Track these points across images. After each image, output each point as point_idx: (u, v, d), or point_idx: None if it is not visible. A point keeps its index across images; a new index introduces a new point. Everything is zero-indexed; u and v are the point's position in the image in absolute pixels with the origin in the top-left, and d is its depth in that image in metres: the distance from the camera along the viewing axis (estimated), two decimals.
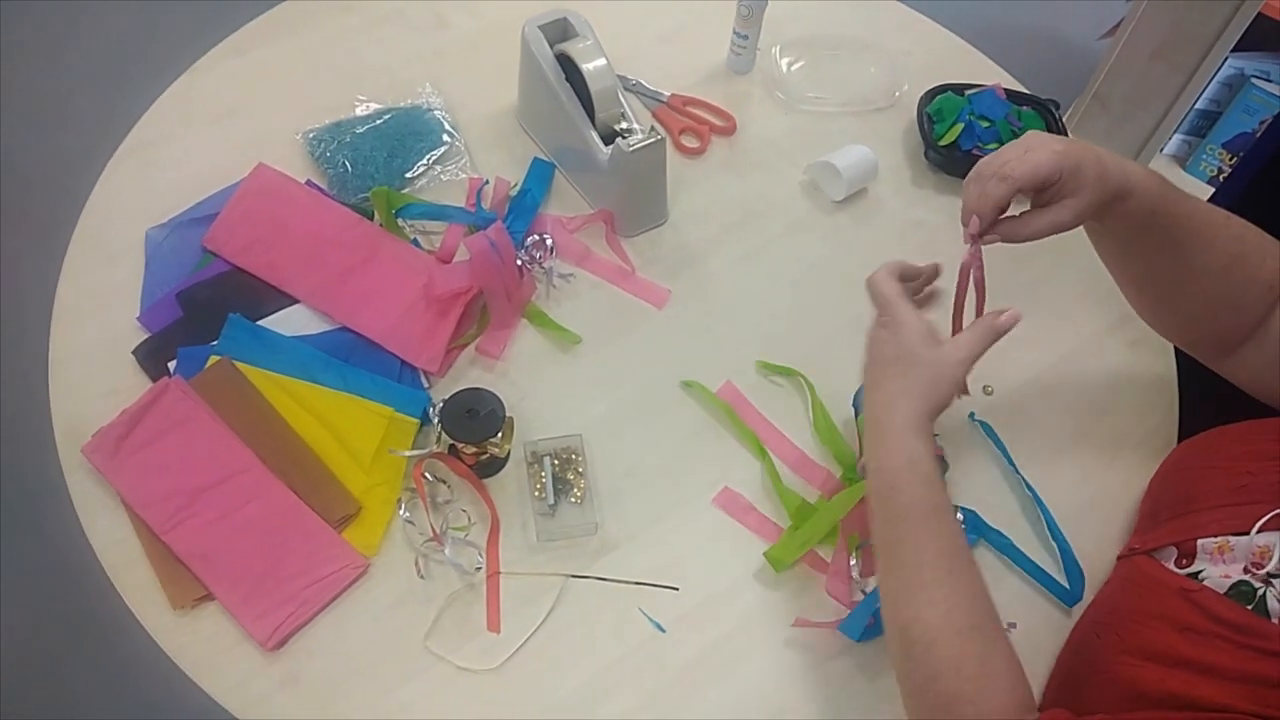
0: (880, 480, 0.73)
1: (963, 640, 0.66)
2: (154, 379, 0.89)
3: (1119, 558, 0.83)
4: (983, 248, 0.75)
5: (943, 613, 0.67)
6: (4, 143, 2.05)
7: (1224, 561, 0.70)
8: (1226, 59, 1.81)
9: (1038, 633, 0.82)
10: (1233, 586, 0.67)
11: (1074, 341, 1.01)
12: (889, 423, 0.73)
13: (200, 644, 0.78)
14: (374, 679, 0.77)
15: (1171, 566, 0.73)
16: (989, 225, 0.75)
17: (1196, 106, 1.93)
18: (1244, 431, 0.78)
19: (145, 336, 0.92)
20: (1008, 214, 0.75)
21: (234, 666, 0.77)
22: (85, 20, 2.24)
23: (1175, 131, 1.99)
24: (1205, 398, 0.89)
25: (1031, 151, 0.72)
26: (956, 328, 0.80)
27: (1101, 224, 0.78)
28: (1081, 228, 0.81)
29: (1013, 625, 0.80)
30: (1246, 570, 0.67)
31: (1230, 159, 1.97)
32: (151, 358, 0.91)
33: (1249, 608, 0.65)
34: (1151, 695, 0.65)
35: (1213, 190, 1.67)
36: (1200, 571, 0.70)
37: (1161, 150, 2.03)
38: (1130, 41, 1.88)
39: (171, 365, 0.90)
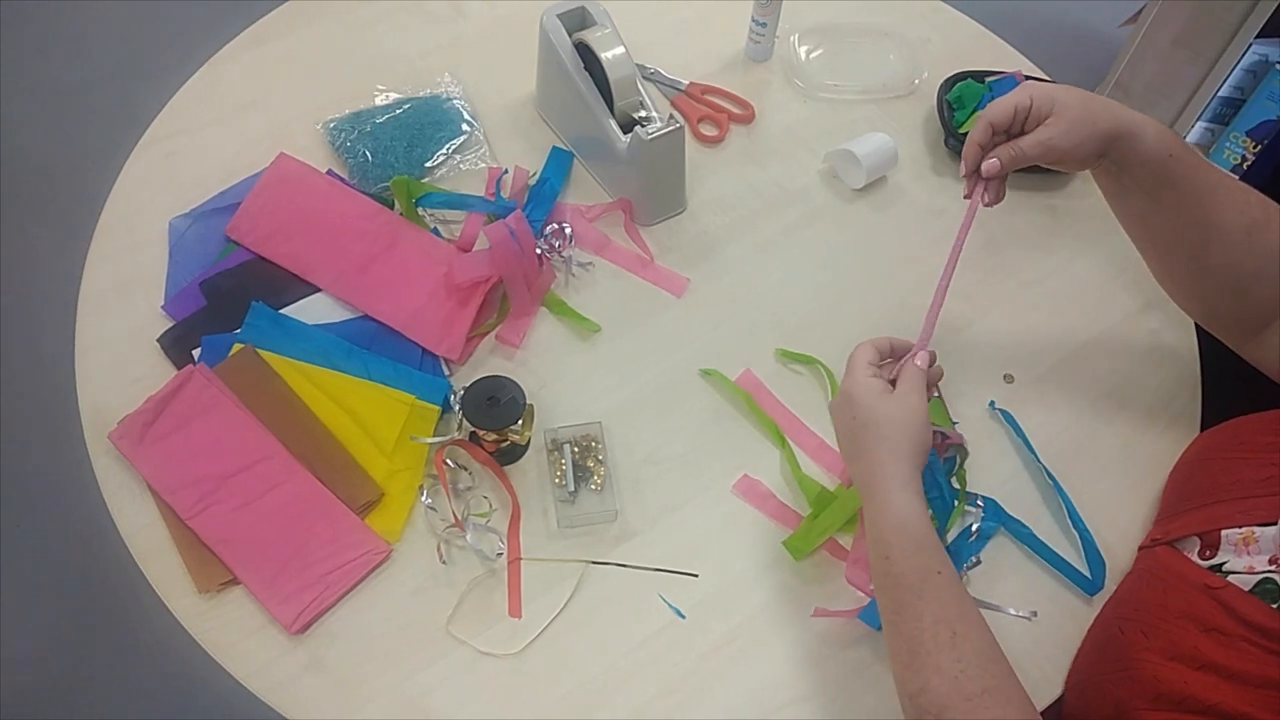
0: (874, 546, 0.73)
1: (973, 706, 0.64)
2: (178, 367, 0.90)
3: (1140, 548, 0.82)
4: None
5: (950, 680, 0.65)
6: (28, 135, 2.07)
7: (1249, 553, 0.69)
8: (1250, 45, 1.79)
9: (1058, 622, 0.82)
10: (1258, 584, 0.66)
11: (1096, 329, 1.00)
12: (878, 487, 0.73)
13: (225, 628, 0.79)
14: (396, 663, 0.78)
15: (1194, 558, 0.73)
16: (975, 164, 0.78)
17: (1220, 94, 1.91)
18: (1270, 421, 0.77)
19: (169, 325, 0.93)
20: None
21: (258, 650, 0.78)
22: (107, 12, 2.26)
23: (1198, 119, 1.96)
24: (1229, 385, 0.88)
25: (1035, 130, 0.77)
26: (943, 280, 0.81)
27: (1119, 171, 0.78)
28: (1104, 197, 0.82)
29: (1034, 614, 0.80)
30: (1273, 561, 0.67)
31: (1254, 147, 1.94)
32: (176, 346, 0.92)
33: (1274, 606, 0.65)
34: (1173, 696, 0.65)
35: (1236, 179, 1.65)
36: (1224, 563, 0.70)
37: (1184, 138, 2.00)
38: (1152, 28, 1.86)
39: (195, 353, 0.91)
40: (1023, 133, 0.78)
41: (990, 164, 0.77)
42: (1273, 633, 0.63)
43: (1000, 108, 0.77)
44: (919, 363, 0.77)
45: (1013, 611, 0.81)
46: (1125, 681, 0.70)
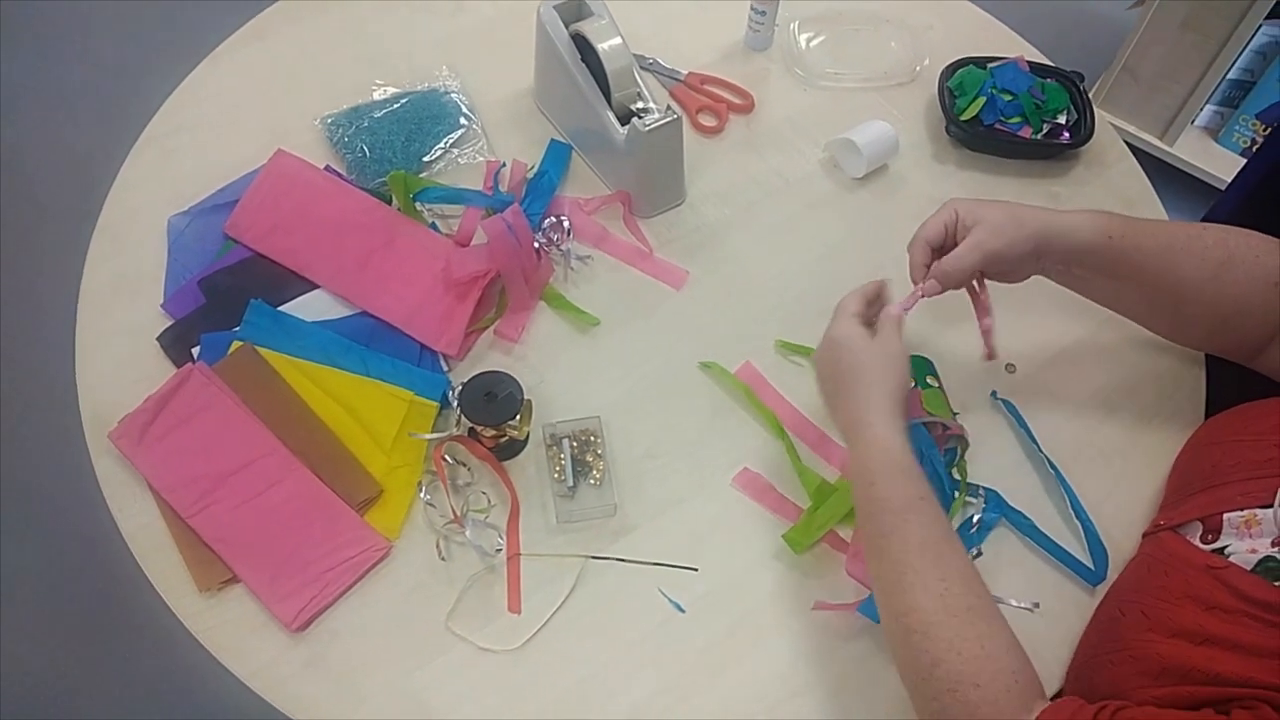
0: (860, 477, 0.75)
1: (960, 623, 0.66)
2: (178, 365, 0.90)
3: (1144, 535, 0.82)
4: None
5: (936, 596, 0.67)
6: (27, 133, 2.07)
7: (1250, 536, 0.69)
8: (1260, 27, 1.76)
9: (1061, 614, 0.81)
10: (1260, 563, 0.66)
11: (1098, 317, 0.99)
12: (863, 420, 0.76)
13: (226, 626, 0.79)
14: (396, 660, 0.78)
15: (1197, 542, 0.72)
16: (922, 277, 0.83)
17: (1229, 76, 1.89)
18: (1273, 406, 0.77)
19: (169, 323, 0.93)
20: None
21: (259, 648, 0.78)
22: (105, 10, 2.26)
23: (1207, 102, 1.94)
24: (1232, 373, 0.87)
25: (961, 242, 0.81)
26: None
27: (1067, 266, 0.83)
28: (1071, 291, 0.87)
29: (1036, 605, 0.80)
30: (1275, 544, 0.66)
31: (1264, 129, 1.92)
32: (175, 344, 0.92)
33: (1276, 583, 0.64)
34: (1175, 670, 0.65)
35: (1244, 161, 1.64)
36: (1226, 547, 0.69)
37: (1193, 122, 1.99)
38: (1160, 11, 1.84)
39: (195, 351, 0.91)
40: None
41: (930, 285, 0.82)
42: (1275, 606, 0.63)
43: (931, 227, 0.83)
44: (894, 311, 0.81)
45: (1014, 603, 0.80)
46: (1125, 661, 0.70)
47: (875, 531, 0.73)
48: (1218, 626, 0.65)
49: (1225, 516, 0.71)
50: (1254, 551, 0.67)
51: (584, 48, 0.99)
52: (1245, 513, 0.70)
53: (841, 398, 0.79)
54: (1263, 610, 0.63)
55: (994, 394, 0.93)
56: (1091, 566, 0.84)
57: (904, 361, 0.78)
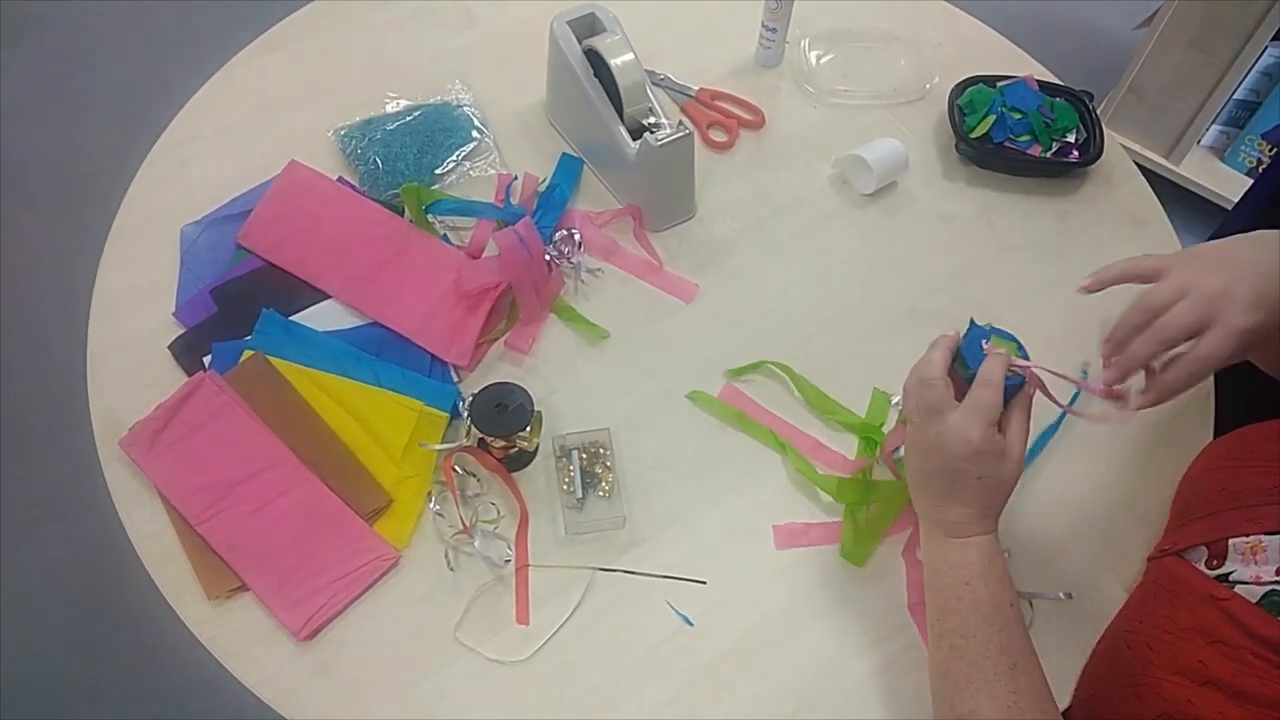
0: (954, 574, 0.74)
1: None
2: (189, 373, 0.91)
3: (1149, 559, 0.82)
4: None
5: (1002, 707, 0.67)
6: (42, 141, 2.09)
7: (1256, 563, 0.68)
8: (1266, 48, 1.78)
9: (1064, 630, 0.81)
10: (1265, 595, 0.66)
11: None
12: (976, 525, 0.74)
13: (234, 634, 0.79)
14: (404, 670, 0.78)
15: (1202, 567, 0.72)
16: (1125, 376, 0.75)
17: (1235, 96, 1.90)
18: (1277, 430, 0.76)
19: (180, 331, 0.94)
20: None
21: (267, 656, 0.78)
22: (121, 19, 2.28)
23: (1213, 122, 1.95)
24: (1240, 394, 0.87)
25: (1208, 338, 0.70)
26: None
27: None
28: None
29: (1069, 595, 0.80)
30: None
31: (1270, 150, 1.93)
32: (187, 352, 0.92)
33: None
34: (1178, 717, 0.65)
35: (1250, 182, 1.64)
36: (1231, 573, 0.69)
37: (1199, 141, 1.99)
38: (1166, 31, 1.85)
39: (206, 360, 0.91)
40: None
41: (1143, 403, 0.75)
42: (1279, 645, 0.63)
43: (1175, 326, 0.71)
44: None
45: (1049, 596, 0.80)
46: (1131, 698, 0.70)
47: (957, 629, 0.71)
48: (1221, 666, 0.64)
49: (1231, 542, 0.70)
50: (1259, 580, 0.67)
51: (596, 63, 1.00)
52: (1250, 539, 0.69)
53: (953, 497, 0.74)
54: (1267, 649, 0.63)
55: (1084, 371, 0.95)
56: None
57: (1020, 473, 0.75)
